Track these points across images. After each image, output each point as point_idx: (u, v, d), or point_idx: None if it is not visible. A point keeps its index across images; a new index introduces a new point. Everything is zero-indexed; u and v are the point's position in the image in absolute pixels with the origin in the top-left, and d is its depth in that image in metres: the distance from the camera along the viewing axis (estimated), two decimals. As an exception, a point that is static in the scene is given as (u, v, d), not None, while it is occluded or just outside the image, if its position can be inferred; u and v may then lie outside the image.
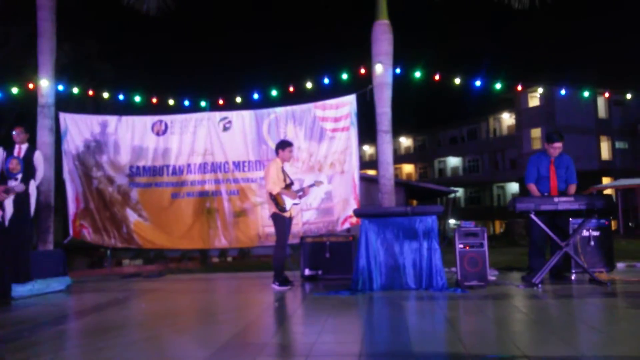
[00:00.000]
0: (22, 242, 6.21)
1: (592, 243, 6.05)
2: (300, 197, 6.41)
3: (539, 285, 5.24)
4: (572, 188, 5.85)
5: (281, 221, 6.12)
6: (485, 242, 5.38)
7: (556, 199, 5.29)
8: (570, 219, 5.90)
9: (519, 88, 9.84)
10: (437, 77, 8.62)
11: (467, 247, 5.36)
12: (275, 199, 6.07)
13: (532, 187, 5.90)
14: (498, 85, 8.86)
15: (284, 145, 6.32)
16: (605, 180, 31.06)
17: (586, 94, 10.54)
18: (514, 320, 4.05)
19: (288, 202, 6.12)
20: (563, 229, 5.71)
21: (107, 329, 4.05)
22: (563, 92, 9.21)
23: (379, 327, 4.01)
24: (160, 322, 4.40)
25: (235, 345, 3.35)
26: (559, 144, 5.78)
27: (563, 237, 5.47)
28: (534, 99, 38.13)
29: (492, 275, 5.78)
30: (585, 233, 6.00)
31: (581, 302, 4.66)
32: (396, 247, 5.46)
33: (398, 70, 8.21)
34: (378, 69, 7.90)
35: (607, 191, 25.60)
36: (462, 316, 4.28)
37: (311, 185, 6.64)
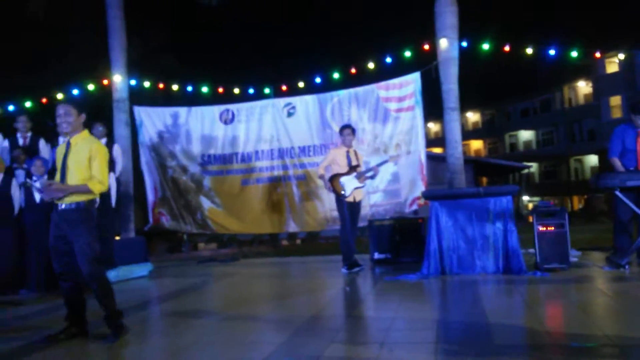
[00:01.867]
0: (106, 231, 6.61)
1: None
2: (370, 177, 6.40)
3: (626, 267, 4.90)
4: None
5: (340, 205, 6.16)
6: (566, 222, 5.07)
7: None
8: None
9: (597, 55, 9.13)
10: (507, 49, 8.17)
11: (547, 228, 5.08)
12: (331, 185, 6.18)
13: (617, 162, 5.46)
14: (574, 54, 8.25)
15: (340, 130, 6.44)
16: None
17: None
18: (599, 304, 3.82)
19: (348, 186, 6.13)
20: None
21: (188, 313, 4.24)
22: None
23: (454, 313, 3.91)
24: (236, 306, 4.54)
25: (309, 330, 3.40)
26: None
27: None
28: (613, 65, 35.32)
29: (573, 256, 5.46)
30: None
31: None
32: (469, 230, 5.28)
33: (464, 44, 7.86)
34: (443, 43, 7.60)
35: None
36: (543, 301, 4.09)
37: (381, 164, 6.48)
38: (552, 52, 8.03)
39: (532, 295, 4.22)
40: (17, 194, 6.05)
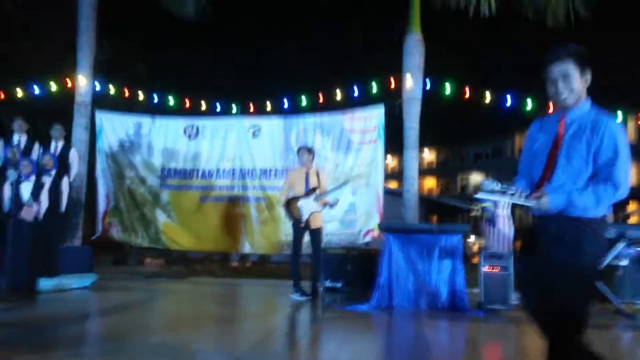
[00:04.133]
0: (53, 236, 6.40)
1: (621, 272, 5.91)
2: (330, 205, 6.22)
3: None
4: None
5: (295, 230, 6.17)
6: (511, 265, 5.31)
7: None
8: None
9: (551, 107, 9.68)
10: (467, 95, 8.56)
11: (492, 269, 5.30)
12: (287, 210, 6.13)
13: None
14: (529, 103, 8.73)
15: (298, 151, 6.44)
16: (632, 207, 30.27)
17: (619, 117, 10.33)
18: (537, 347, 3.99)
19: (305, 210, 6.07)
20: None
21: (127, 330, 4.12)
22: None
23: (399, 345, 4.00)
24: (180, 327, 4.47)
25: (254, 355, 3.39)
26: None
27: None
28: (564, 118, 37.36)
29: (515, 299, 5.68)
30: (614, 262, 5.86)
31: (605, 333, 4.56)
32: (419, 265, 5.44)
33: (428, 86, 8.19)
34: (408, 82, 7.90)
35: (634, 218, 24.95)
36: (484, 340, 4.24)
37: (341, 185, 6.45)
38: (508, 103, 8.46)
39: (474, 334, 4.37)
40: None
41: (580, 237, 2.05)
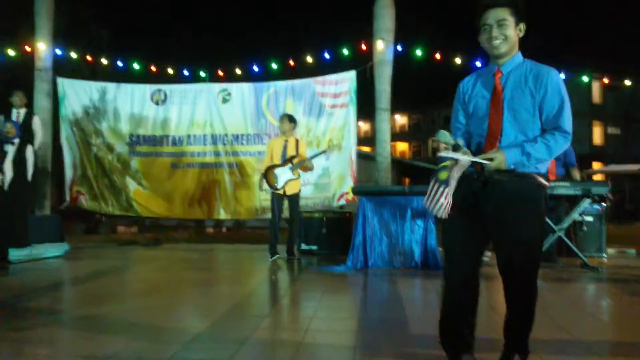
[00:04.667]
0: (21, 206, 6.24)
1: (585, 228, 6.18)
2: (298, 169, 6.31)
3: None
4: (575, 172, 5.96)
5: (272, 197, 6.34)
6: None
7: (552, 184, 5.37)
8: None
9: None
10: (437, 56, 8.57)
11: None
12: (265, 177, 6.29)
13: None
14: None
15: (279, 120, 6.53)
16: (596, 165, 31.33)
17: (585, 79, 10.55)
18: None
19: (281, 178, 6.23)
20: (558, 214, 5.81)
21: (105, 296, 4.12)
22: (562, 76, 9.20)
23: (375, 304, 4.11)
24: (157, 292, 4.47)
25: (235, 317, 3.44)
26: None
27: (557, 222, 5.57)
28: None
29: (486, 256, 5.89)
30: (578, 218, 6.11)
31: (571, 285, 4.79)
32: (392, 226, 5.55)
33: (399, 48, 8.16)
34: (379, 45, 7.83)
35: (597, 176, 25.87)
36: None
37: (315, 155, 6.53)
38: (478, 63, 8.51)
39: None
40: None
41: (536, 193, 2.10)
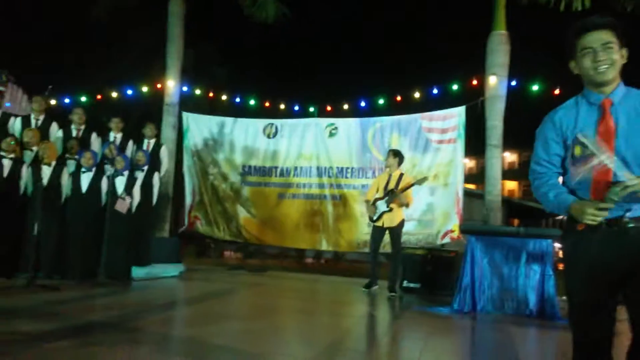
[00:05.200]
0: (145, 228, 6.80)
1: None
2: (397, 204, 6.28)
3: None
4: None
5: (372, 229, 6.50)
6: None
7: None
8: None
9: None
10: (556, 92, 8.10)
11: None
12: (367, 208, 6.51)
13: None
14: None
15: (386, 154, 6.65)
16: None
17: None
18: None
19: (379, 210, 6.35)
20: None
21: (217, 316, 4.30)
22: None
23: (484, 350, 3.86)
24: (263, 316, 4.58)
25: (336, 350, 3.40)
26: None
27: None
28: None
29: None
30: None
31: None
32: (504, 269, 5.22)
33: (514, 83, 7.85)
34: (492, 80, 7.62)
35: None
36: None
37: (406, 188, 6.31)
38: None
39: (564, 345, 4.11)
40: (65, 182, 6.29)
41: None
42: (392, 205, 6.28)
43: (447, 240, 7.90)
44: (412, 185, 6.42)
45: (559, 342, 4.17)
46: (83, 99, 9.58)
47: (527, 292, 5.10)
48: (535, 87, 8.04)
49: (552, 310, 4.96)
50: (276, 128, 8.90)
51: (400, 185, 6.33)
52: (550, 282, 5.03)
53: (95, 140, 7.05)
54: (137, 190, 6.58)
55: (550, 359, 3.73)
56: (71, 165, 6.62)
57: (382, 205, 6.33)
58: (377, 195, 6.44)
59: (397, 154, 6.53)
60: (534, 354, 3.92)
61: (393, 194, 6.27)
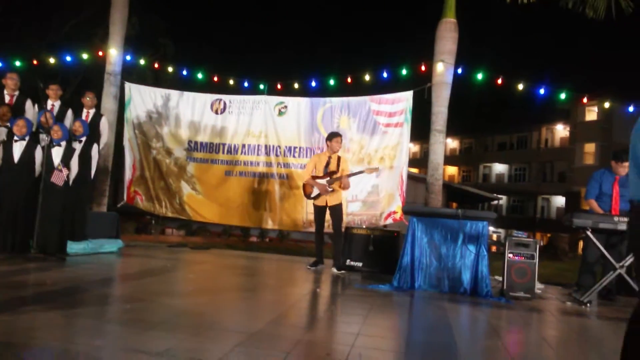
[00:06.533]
0: (82, 202, 6.53)
1: (648, 268, 5.81)
2: (338, 187, 6.50)
3: (588, 304, 5.11)
4: None
5: (313, 208, 6.60)
6: (537, 254, 5.28)
7: (616, 219, 5.12)
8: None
9: (584, 100, 9.46)
10: (499, 81, 8.39)
11: (517, 257, 5.27)
12: (303, 187, 6.64)
13: (593, 204, 5.74)
14: (562, 95, 8.53)
15: (331, 136, 6.63)
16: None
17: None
18: (558, 336, 3.98)
19: (315, 190, 6.50)
20: (620, 250, 5.51)
21: (154, 295, 4.22)
22: (631, 109, 8.79)
23: (421, 327, 4.02)
24: (207, 293, 4.55)
25: (280, 325, 3.44)
26: (628, 163, 5.56)
27: (618, 258, 5.29)
28: (592, 113, 36.66)
29: (538, 288, 5.65)
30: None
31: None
32: (443, 249, 5.43)
33: (460, 70, 8.06)
34: (439, 67, 7.78)
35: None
36: (506, 326, 4.23)
37: (353, 174, 6.64)
38: (542, 91, 8.28)
39: (496, 320, 4.36)
40: None
41: None
42: (333, 186, 6.44)
43: (389, 221, 8.09)
44: (361, 172, 6.70)
45: (490, 317, 4.40)
46: (17, 63, 8.97)
47: (462, 271, 5.34)
48: (479, 76, 8.29)
49: (485, 289, 5.21)
50: (224, 104, 8.71)
51: (342, 167, 6.53)
52: (484, 262, 5.28)
53: (30, 108, 6.65)
54: (74, 162, 6.29)
55: (481, 333, 3.92)
56: (2, 133, 6.23)
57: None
58: (315, 174, 6.57)
59: (338, 137, 6.64)
60: (466, 326, 4.12)
61: (336, 177, 6.45)
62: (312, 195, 6.52)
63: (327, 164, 6.54)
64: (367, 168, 6.89)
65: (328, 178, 6.48)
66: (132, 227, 12.99)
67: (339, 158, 6.62)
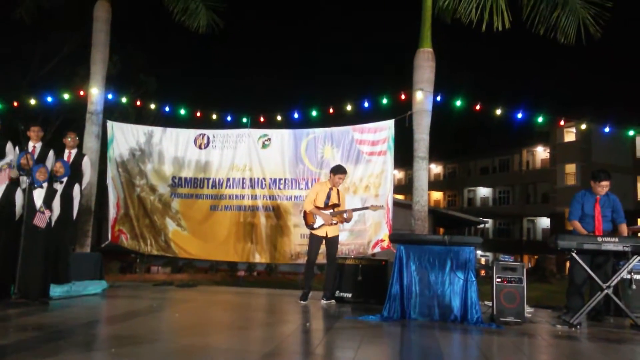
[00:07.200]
0: (65, 243, 6.41)
1: (634, 286, 5.86)
2: (339, 220, 6.57)
3: (578, 327, 5.11)
4: (623, 228, 5.73)
5: (310, 238, 6.53)
6: (524, 278, 5.29)
7: (600, 239, 5.17)
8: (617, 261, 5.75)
9: (561, 122, 9.69)
10: (477, 107, 8.56)
11: (505, 282, 5.27)
12: (305, 216, 6.53)
13: (577, 225, 5.79)
14: (540, 119, 8.73)
15: (337, 170, 6.61)
16: (641, 222, 30.03)
17: (631, 133, 10.29)
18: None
19: (318, 221, 6.43)
20: (605, 270, 5.56)
21: (141, 337, 4.11)
22: (607, 129, 9.02)
23: (412, 356, 3.97)
24: (192, 334, 4.45)
25: (273, 363, 3.37)
26: (606, 182, 5.68)
27: (605, 279, 5.33)
28: (570, 135, 37.48)
29: (527, 312, 5.64)
30: (627, 276, 5.82)
31: (622, 348, 4.51)
32: (431, 276, 5.41)
33: (439, 98, 8.22)
34: (419, 95, 7.93)
35: (644, 233, 24.74)
36: (498, 353, 4.19)
37: (359, 209, 6.98)
38: (519, 115, 8.47)
39: (488, 348, 4.32)
40: None
41: None
42: (336, 218, 6.49)
43: (377, 249, 8.09)
44: (367, 209, 7.00)
45: (482, 345, 4.37)
46: (-3, 105, 8.93)
47: (451, 298, 5.31)
48: (458, 103, 8.46)
49: (475, 315, 5.18)
50: (208, 138, 8.73)
51: (342, 201, 6.61)
52: (473, 287, 5.27)
53: (10, 150, 6.58)
54: (56, 203, 6.19)
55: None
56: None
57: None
58: (316, 204, 6.52)
59: (342, 171, 6.64)
60: (458, 357, 4.07)
61: (341, 210, 6.52)
62: (315, 226, 6.46)
63: (329, 196, 6.54)
64: (372, 205, 7.03)
65: (331, 210, 6.49)
66: (117, 266, 12.76)
67: (338, 192, 6.65)
